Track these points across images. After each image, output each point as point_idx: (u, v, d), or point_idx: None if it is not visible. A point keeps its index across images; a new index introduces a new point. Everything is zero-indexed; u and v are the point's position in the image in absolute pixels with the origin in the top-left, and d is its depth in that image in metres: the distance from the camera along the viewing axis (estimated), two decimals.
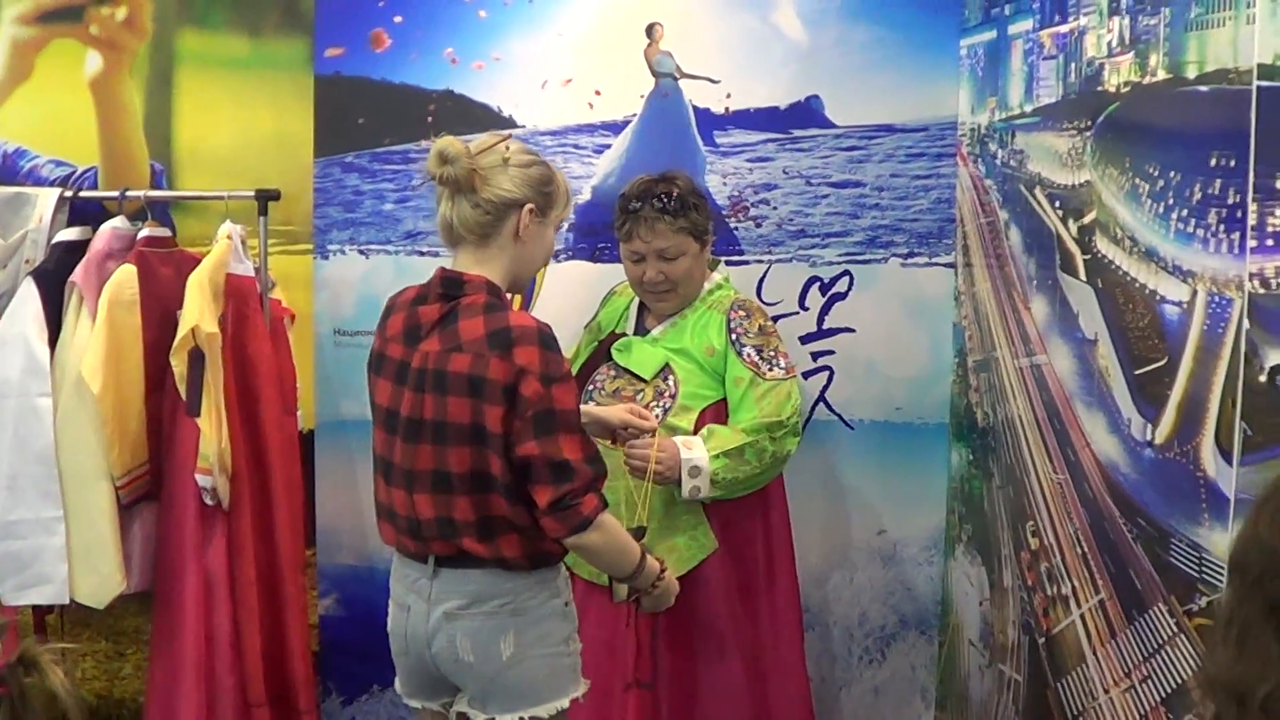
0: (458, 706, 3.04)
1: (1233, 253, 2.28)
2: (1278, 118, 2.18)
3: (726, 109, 4.08)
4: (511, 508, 2.87)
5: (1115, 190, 2.79)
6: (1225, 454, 2.31)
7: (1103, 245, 2.86)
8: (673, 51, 4.06)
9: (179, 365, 3.77)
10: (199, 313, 3.75)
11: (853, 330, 4.11)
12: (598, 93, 4.09)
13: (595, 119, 4.11)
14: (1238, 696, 1.44)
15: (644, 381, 3.65)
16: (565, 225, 3.80)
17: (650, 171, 3.74)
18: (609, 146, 4.10)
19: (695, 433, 3.57)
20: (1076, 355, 3.04)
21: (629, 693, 3.58)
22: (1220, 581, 2.35)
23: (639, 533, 3.14)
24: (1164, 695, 2.60)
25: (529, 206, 2.95)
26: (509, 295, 3.01)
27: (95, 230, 3.95)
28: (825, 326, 4.11)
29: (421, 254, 4.13)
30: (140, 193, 4.02)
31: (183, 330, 3.74)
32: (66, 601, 3.83)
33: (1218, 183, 2.33)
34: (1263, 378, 2.21)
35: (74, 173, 4.28)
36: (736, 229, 4.09)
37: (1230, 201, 2.28)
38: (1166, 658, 2.58)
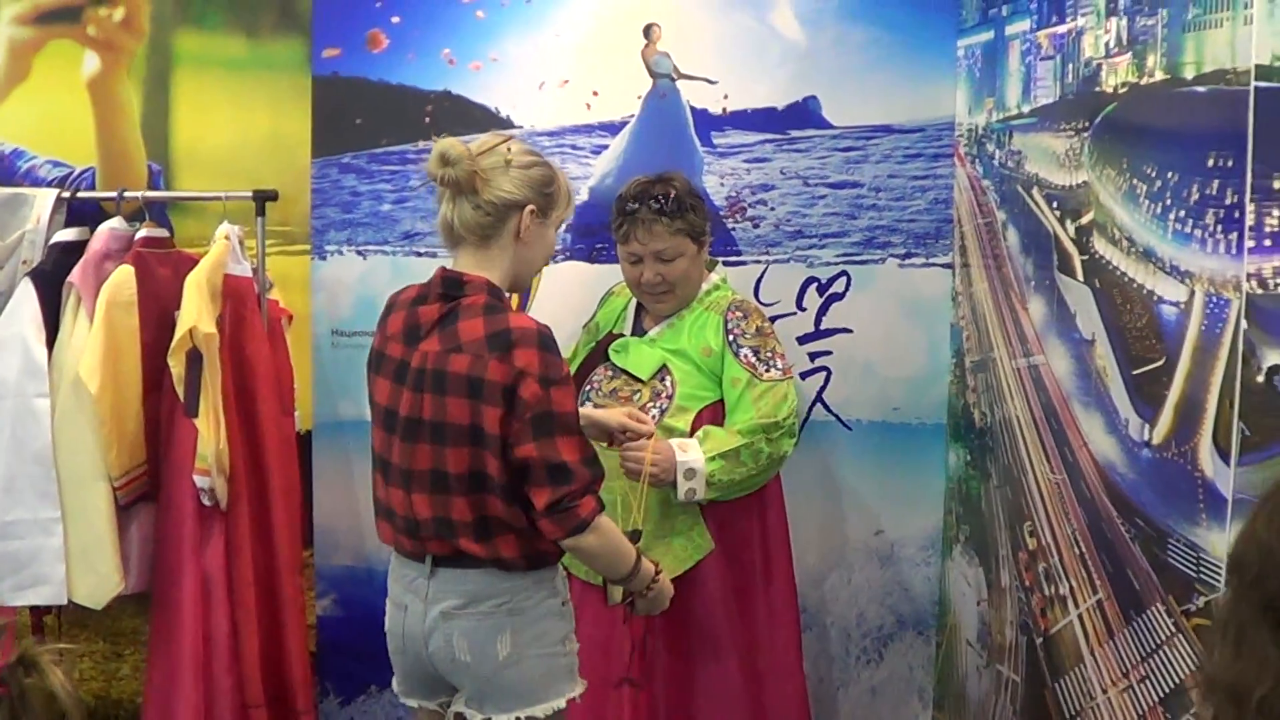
0: (455, 706, 3.04)
1: (1230, 253, 2.28)
2: (1275, 118, 2.18)
3: (724, 110, 4.08)
4: (508, 509, 2.87)
5: (1113, 191, 2.79)
6: (1223, 454, 2.32)
7: (1100, 246, 2.87)
8: (670, 52, 4.06)
9: (177, 366, 3.76)
10: (197, 313, 3.74)
11: (850, 331, 4.12)
12: (595, 93, 4.09)
13: (593, 120, 4.11)
14: (1235, 697, 1.44)
15: (641, 382, 3.65)
16: (563, 226, 3.81)
17: (648, 172, 3.74)
18: (606, 147, 4.10)
19: (692, 433, 3.57)
20: (1074, 356, 3.05)
21: (624, 693, 3.58)
22: (1218, 581, 2.36)
23: (634, 536, 3.14)
24: (1162, 695, 2.60)
25: (530, 208, 2.95)
26: (507, 295, 3.01)
27: (93, 231, 3.95)
28: (823, 327, 4.12)
29: (419, 254, 4.13)
30: (138, 193, 4.01)
31: (180, 331, 3.74)
32: (64, 602, 3.82)
33: (1215, 183, 2.34)
34: (1260, 378, 2.22)
35: (71, 173, 4.27)
36: (734, 229, 4.09)
37: (1228, 202, 2.29)
38: (1164, 658, 2.58)
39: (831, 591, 4.23)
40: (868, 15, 4.04)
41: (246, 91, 4.31)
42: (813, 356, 4.12)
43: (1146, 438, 2.64)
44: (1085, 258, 2.96)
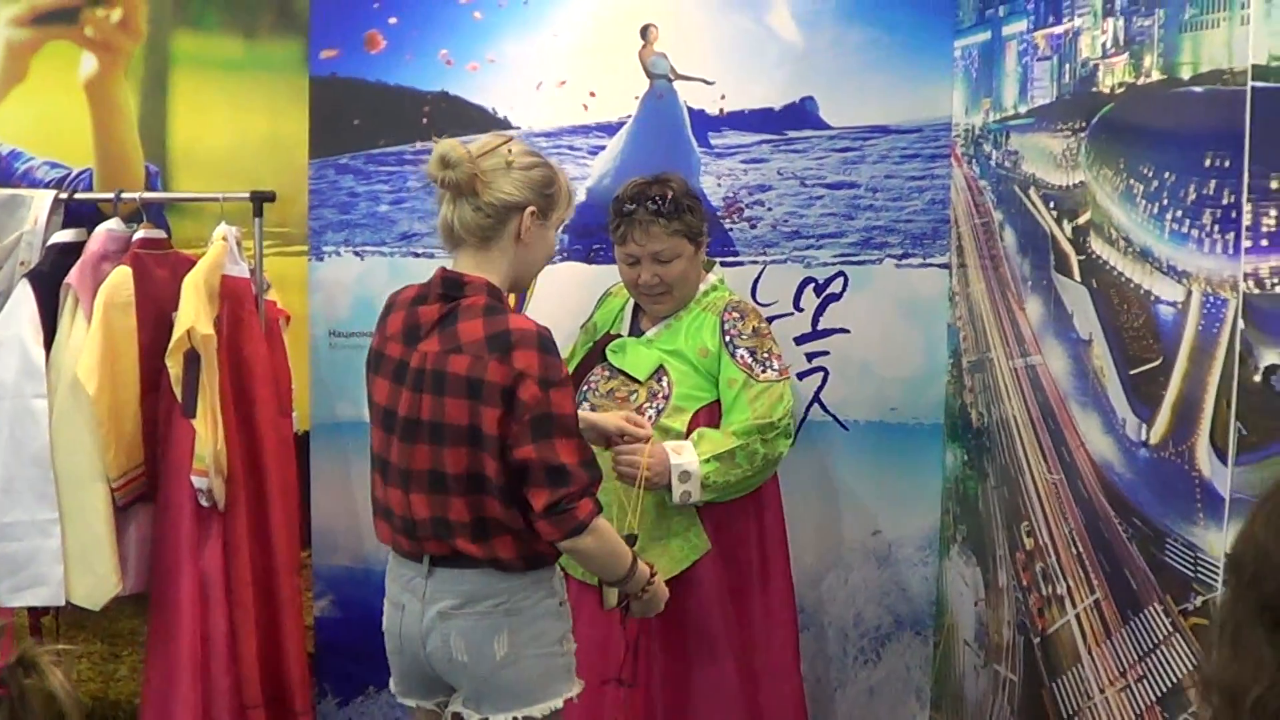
0: (452, 706, 3.04)
1: (1227, 253, 2.28)
2: (1272, 118, 2.18)
3: (721, 110, 4.08)
4: (505, 510, 2.87)
5: (1110, 191, 2.80)
6: (1220, 454, 2.32)
7: (1097, 246, 2.87)
8: (667, 53, 4.06)
9: (174, 367, 3.76)
10: (194, 314, 3.74)
11: (847, 331, 4.12)
12: (592, 94, 4.09)
13: (590, 120, 4.11)
14: (1231, 697, 1.44)
15: (638, 382, 3.65)
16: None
17: (645, 173, 3.74)
18: (604, 148, 4.10)
19: (689, 433, 3.57)
20: (1071, 356, 3.05)
21: (621, 693, 3.58)
22: (1215, 581, 2.36)
23: (630, 540, 3.14)
24: (1159, 695, 2.60)
25: (530, 209, 2.95)
26: (506, 295, 3.01)
27: (90, 232, 3.94)
28: (820, 327, 4.12)
29: (416, 255, 4.13)
30: (135, 194, 4.01)
31: (178, 332, 3.74)
32: (62, 603, 3.82)
33: (1212, 183, 2.34)
34: (1257, 378, 2.22)
35: (69, 174, 4.26)
36: (731, 230, 4.09)
37: (1225, 202, 2.29)
38: (1161, 657, 2.59)
39: (829, 591, 4.23)
40: (865, 16, 4.04)
41: (244, 92, 4.30)
42: (810, 357, 4.12)
43: (1144, 437, 2.64)
44: (1082, 258, 2.96)
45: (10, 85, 4.28)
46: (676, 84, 4.07)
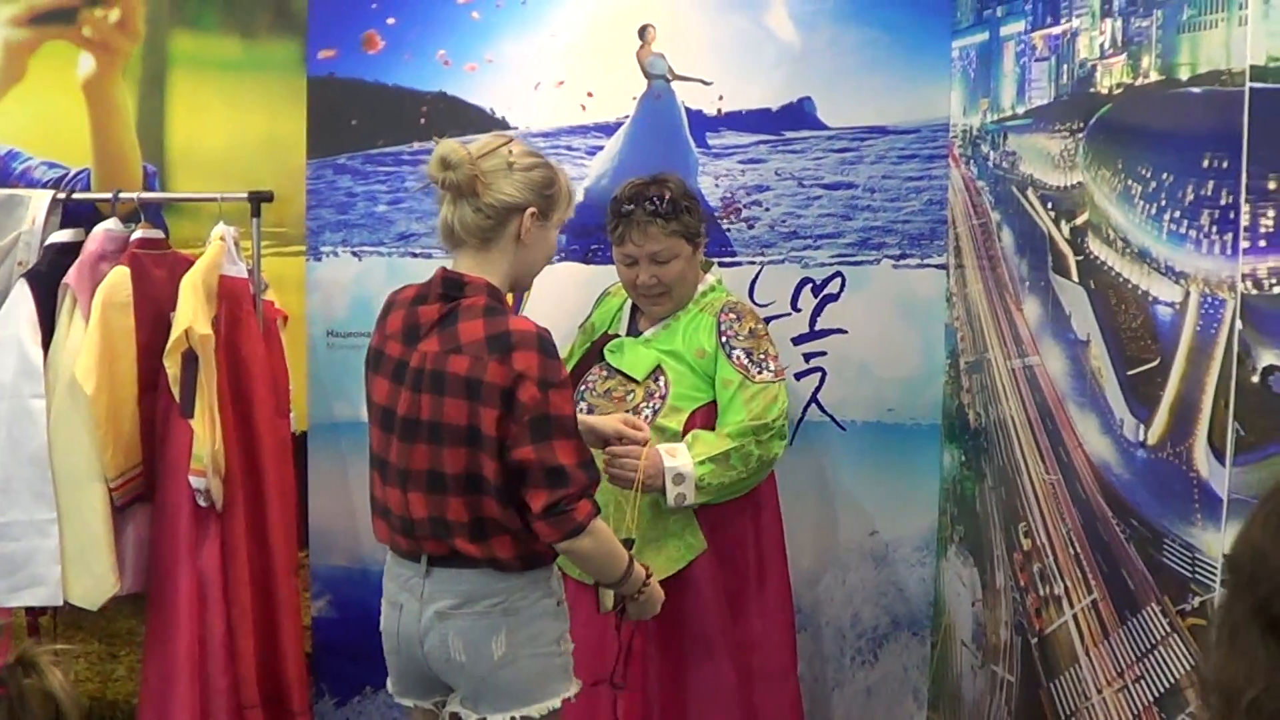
0: (450, 706, 3.04)
1: (1225, 254, 2.29)
2: (1270, 119, 2.18)
3: (719, 111, 4.08)
4: (503, 510, 2.87)
5: (1108, 192, 2.80)
6: (1218, 454, 2.32)
7: (1095, 246, 2.87)
8: (665, 53, 4.07)
9: (172, 367, 3.76)
10: (192, 314, 3.74)
11: (845, 331, 4.12)
12: (590, 94, 4.09)
13: (588, 121, 4.11)
14: (1228, 699, 1.44)
15: (635, 382, 3.65)
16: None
17: (642, 174, 3.74)
18: (601, 148, 4.10)
19: (685, 434, 3.57)
20: (1069, 356, 3.05)
21: (618, 693, 3.58)
22: (1213, 582, 2.36)
23: (627, 544, 3.14)
24: (1157, 695, 2.60)
25: (531, 210, 2.95)
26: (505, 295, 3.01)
27: (88, 232, 3.94)
28: (817, 328, 4.12)
29: (414, 255, 4.13)
30: (133, 195, 4.01)
31: (176, 332, 3.74)
32: (60, 603, 3.82)
33: (1210, 184, 2.34)
34: (1255, 378, 2.22)
35: (67, 175, 4.27)
36: (729, 230, 4.09)
37: (1223, 203, 2.29)
38: (1159, 658, 2.59)
39: (826, 592, 4.23)
40: (862, 17, 4.04)
41: (242, 93, 4.31)
42: (807, 357, 4.12)
43: (1141, 438, 2.64)
44: (1080, 258, 2.97)
45: (8, 85, 4.28)
46: (674, 84, 4.07)
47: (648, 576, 3.12)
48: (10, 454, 3.77)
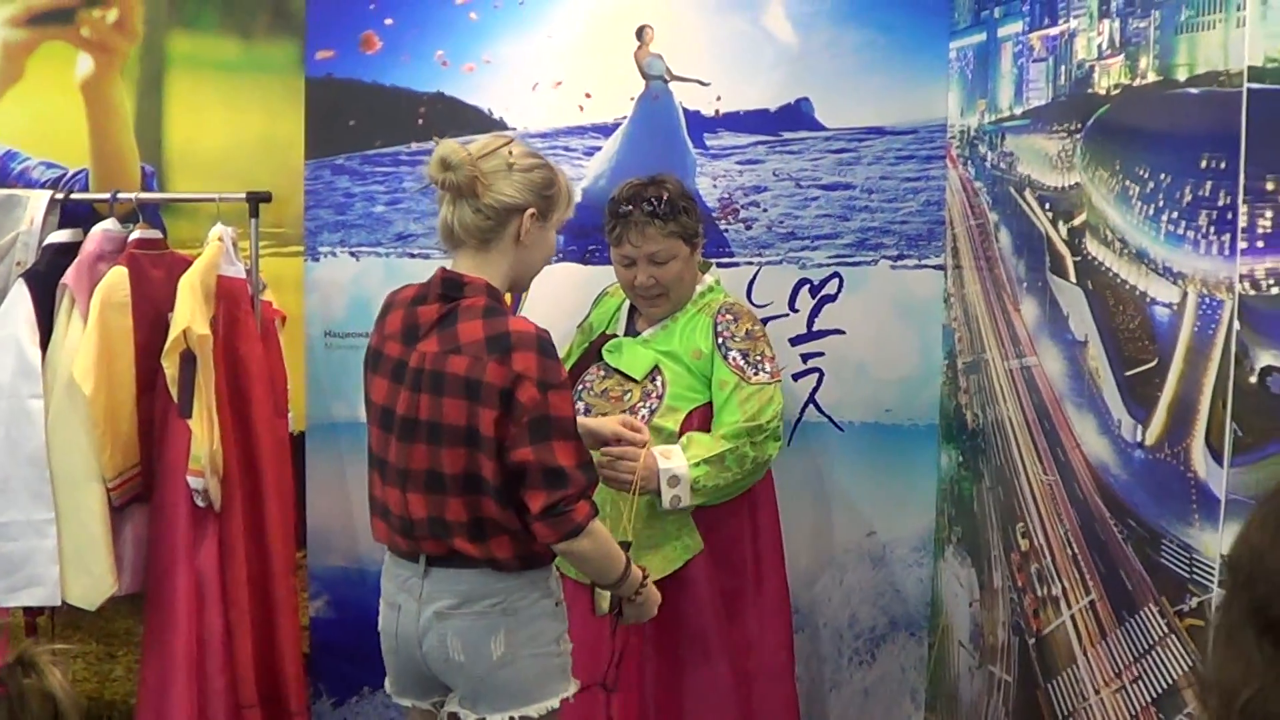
0: (448, 706, 3.04)
1: (1223, 254, 2.29)
2: (1268, 120, 2.18)
3: (716, 111, 4.08)
4: (501, 511, 2.88)
5: (1105, 192, 2.80)
6: (1216, 455, 2.32)
7: (1093, 247, 2.87)
8: (663, 54, 4.07)
9: (170, 367, 3.76)
10: (190, 315, 3.74)
11: (842, 332, 4.12)
12: (588, 95, 4.10)
13: (585, 121, 4.11)
14: (1225, 699, 1.44)
15: (633, 382, 3.65)
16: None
17: (640, 174, 3.74)
18: (599, 149, 4.10)
19: (681, 434, 3.57)
20: (1067, 357, 3.05)
21: (614, 694, 3.58)
22: (1210, 582, 2.36)
23: (624, 547, 3.14)
24: (1154, 696, 2.60)
25: (530, 211, 2.95)
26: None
27: (86, 232, 3.94)
28: (815, 328, 4.12)
29: (412, 256, 4.13)
30: (131, 195, 4.00)
31: (174, 332, 3.74)
32: (58, 603, 3.81)
33: (1208, 185, 2.34)
34: (1253, 379, 2.22)
35: (65, 175, 4.27)
36: (726, 231, 4.10)
37: (1221, 203, 2.29)
38: (1157, 658, 2.59)
39: (823, 593, 4.23)
40: (860, 17, 4.05)
41: (240, 93, 4.31)
42: (805, 358, 4.13)
43: (1139, 439, 2.64)
44: (1078, 259, 2.97)
45: (6, 85, 4.28)
46: (672, 85, 4.07)
47: (645, 578, 3.12)
48: (8, 454, 3.77)
